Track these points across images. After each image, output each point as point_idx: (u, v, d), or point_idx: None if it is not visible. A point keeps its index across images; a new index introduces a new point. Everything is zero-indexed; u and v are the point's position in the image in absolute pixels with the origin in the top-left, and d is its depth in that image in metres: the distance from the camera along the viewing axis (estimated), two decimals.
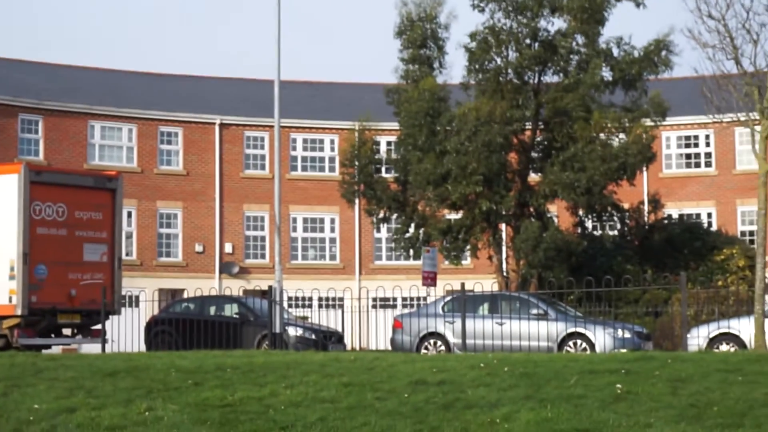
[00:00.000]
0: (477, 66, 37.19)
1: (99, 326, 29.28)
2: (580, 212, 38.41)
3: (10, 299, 28.31)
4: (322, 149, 51.37)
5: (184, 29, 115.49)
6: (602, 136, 36.25)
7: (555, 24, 37.57)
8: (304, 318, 35.75)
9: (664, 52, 37.00)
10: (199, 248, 49.15)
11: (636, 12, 52.30)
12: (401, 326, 30.37)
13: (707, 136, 49.16)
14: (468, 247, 37.90)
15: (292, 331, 31.36)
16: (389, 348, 32.02)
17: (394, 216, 39.42)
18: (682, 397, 15.51)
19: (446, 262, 40.09)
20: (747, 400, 15.21)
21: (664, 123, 40.68)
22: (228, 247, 49.60)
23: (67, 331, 30.30)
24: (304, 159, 51.27)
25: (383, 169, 40.56)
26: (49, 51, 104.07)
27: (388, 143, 45.65)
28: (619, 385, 16.17)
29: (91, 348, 31.28)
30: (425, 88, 36.68)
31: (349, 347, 36.36)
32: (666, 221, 41.83)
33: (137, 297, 37.97)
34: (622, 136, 36.70)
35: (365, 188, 38.78)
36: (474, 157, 35.27)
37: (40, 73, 51.83)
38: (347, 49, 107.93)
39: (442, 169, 35.81)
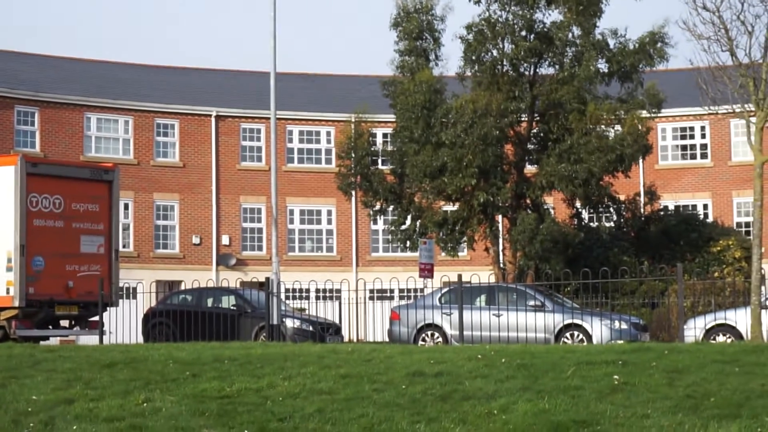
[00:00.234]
0: (473, 58, 37.19)
1: (96, 318, 29.30)
2: (577, 204, 38.46)
3: (8, 291, 28.35)
4: (318, 141, 51.37)
5: (180, 21, 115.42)
6: (599, 128, 36.25)
7: (551, 16, 37.62)
8: (302, 310, 35.76)
9: (659, 44, 37.04)
10: (196, 240, 49.17)
11: (631, 4, 52.22)
12: (398, 318, 30.40)
13: (703, 128, 49.20)
14: (465, 238, 37.94)
15: (290, 323, 31.37)
16: (387, 339, 32.06)
17: (391, 208, 39.42)
18: (679, 388, 15.55)
19: (443, 254, 40.11)
20: (744, 391, 15.24)
21: (660, 115, 40.70)
22: (225, 239, 49.61)
23: (64, 323, 30.32)
24: (300, 151, 51.27)
25: (380, 161, 40.56)
26: (45, 43, 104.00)
27: (385, 135, 45.65)
28: (616, 377, 16.20)
29: (89, 339, 31.31)
30: (422, 80, 36.68)
31: (346, 339, 36.40)
32: (662, 213, 41.87)
33: (134, 289, 37.99)
34: (618, 127, 36.74)
35: (362, 180, 38.79)
36: (470, 149, 35.29)
37: (36, 65, 51.80)
38: (343, 41, 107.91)
39: (439, 162, 35.82)
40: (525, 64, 37.48)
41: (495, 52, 37.10)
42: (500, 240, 39.83)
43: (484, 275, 32.80)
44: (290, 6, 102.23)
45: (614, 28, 37.70)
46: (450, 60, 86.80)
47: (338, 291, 38.32)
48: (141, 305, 35.59)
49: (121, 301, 30.56)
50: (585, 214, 40.02)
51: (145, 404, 15.67)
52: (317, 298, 37.22)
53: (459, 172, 35.51)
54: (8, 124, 46.09)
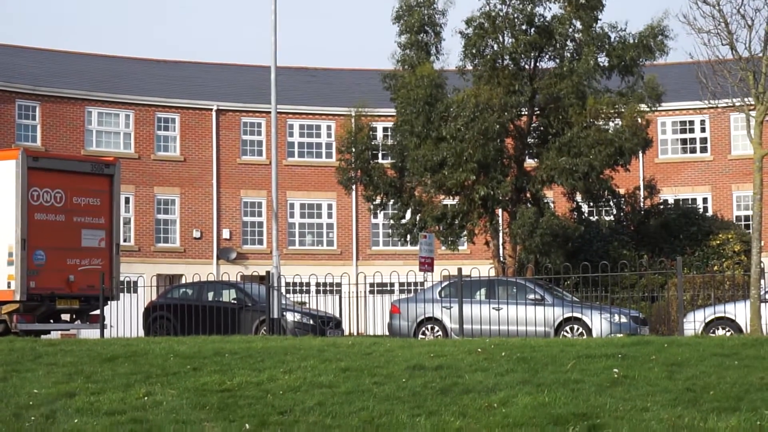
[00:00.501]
0: (473, 52, 37.19)
1: (97, 312, 29.34)
2: (577, 198, 38.47)
3: (9, 285, 28.38)
4: (319, 135, 51.38)
5: (180, 15, 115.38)
6: (599, 121, 36.25)
7: (551, 9, 37.60)
8: (302, 303, 35.81)
9: (659, 37, 37.04)
10: (196, 234, 49.20)
11: None
12: (399, 311, 30.42)
13: (702, 122, 49.21)
14: (465, 232, 37.96)
15: (290, 317, 31.40)
16: (387, 333, 32.09)
17: (391, 202, 39.43)
18: (678, 382, 15.59)
19: (443, 248, 40.12)
20: (743, 384, 15.28)
21: (660, 108, 40.68)
22: (225, 233, 49.64)
23: (65, 317, 30.37)
24: (300, 145, 51.28)
25: (380, 156, 40.57)
26: (45, 37, 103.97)
27: (385, 129, 45.66)
28: (615, 370, 16.25)
29: (90, 333, 31.36)
30: (423, 74, 36.67)
31: (346, 332, 36.44)
32: (662, 206, 41.86)
33: (135, 282, 37.93)
34: (618, 121, 36.75)
35: (362, 174, 38.78)
36: (471, 143, 35.31)
37: (37, 59, 51.80)
38: (344, 35, 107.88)
39: (439, 156, 35.83)
40: (525, 58, 37.47)
41: (495, 46, 37.09)
42: (500, 234, 39.85)
43: (484, 269, 32.82)
44: (291, 0, 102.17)
45: (614, 22, 37.70)
46: (451, 54, 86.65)
47: (338, 285, 38.37)
48: (142, 299, 35.62)
49: (121, 294, 30.60)
50: (585, 208, 40.01)
51: (146, 398, 15.72)
52: (317, 291, 37.27)
53: (459, 166, 35.52)
54: (9, 118, 46.11)
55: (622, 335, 24.43)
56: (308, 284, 36.07)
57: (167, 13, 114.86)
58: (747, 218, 45.83)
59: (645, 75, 37.58)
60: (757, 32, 25.55)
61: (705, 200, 48.72)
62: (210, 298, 33.30)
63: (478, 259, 43.56)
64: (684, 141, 49.80)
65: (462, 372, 16.63)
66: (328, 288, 39.87)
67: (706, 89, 25.94)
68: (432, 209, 37.49)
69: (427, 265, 34.15)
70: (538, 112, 37.89)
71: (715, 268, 36.55)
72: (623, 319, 28.25)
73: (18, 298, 28.35)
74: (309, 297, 37.73)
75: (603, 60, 37.34)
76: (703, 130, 49.37)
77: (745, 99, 25.87)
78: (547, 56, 37.80)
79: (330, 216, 51.09)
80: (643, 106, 37.16)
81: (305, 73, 56.43)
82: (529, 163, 38.81)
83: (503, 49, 36.94)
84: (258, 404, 15.23)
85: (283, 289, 31.07)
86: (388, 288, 45.41)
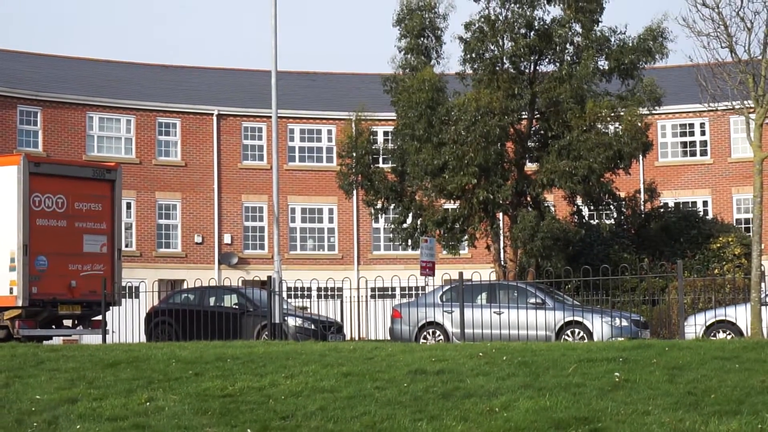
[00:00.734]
0: (473, 56, 37.23)
1: (99, 317, 29.36)
2: (578, 201, 38.49)
3: (11, 290, 28.41)
4: (319, 140, 51.43)
5: (181, 20, 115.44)
6: (598, 125, 36.26)
7: (551, 13, 37.65)
8: (304, 308, 35.83)
9: (659, 40, 37.06)
10: (198, 239, 49.24)
11: (631, 1, 52.26)
12: (400, 316, 30.46)
13: (702, 125, 49.24)
14: (466, 236, 37.98)
15: (292, 322, 31.42)
16: (388, 338, 32.11)
17: (392, 206, 39.48)
18: (679, 385, 15.60)
19: (444, 252, 40.15)
20: (744, 388, 15.30)
21: (660, 112, 40.71)
22: (227, 238, 49.68)
23: (67, 322, 30.39)
24: (301, 150, 51.32)
25: (380, 160, 40.61)
26: (47, 42, 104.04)
27: (386, 134, 45.70)
28: (617, 374, 16.26)
29: (92, 339, 31.40)
30: (424, 78, 36.70)
31: (348, 337, 36.47)
32: (662, 210, 41.88)
33: (137, 288, 38.04)
34: (618, 125, 36.77)
35: (363, 179, 38.81)
36: (472, 146, 35.35)
37: (38, 65, 51.87)
38: (344, 40, 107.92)
39: (440, 160, 35.87)
40: (525, 62, 37.53)
41: (495, 50, 37.13)
42: (501, 238, 39.87)
43: (485, 273, 32.87)
44: (291, 4, 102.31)
45: (614, 25, 37.75)
46: (451, 58, 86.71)
47: (340, 289, 38.37)
48: (144, 304, 35.67)
49: (123, 300, 30.63)
50: (585, 212, 40.05)
51: (148, 403, 15.74)
52: (319, 296, 37.29)
53: (461, 170, 35.55)
54: (11, 124, 46.16)
55: (623, 339, 24.45)
56: (309, 289, 36.14)
57: (168, 18, 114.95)
58: (747, 221, 45.85)
59: (644, 78, 37.60)
60: (756, 35, 25.59)
61: (705, 203, 48.75)
62: (212, 303, 33.33)
63: (479, 263, 43.60)
64: (684, 144, 49.82)
65: (463, 376, 16.64)
66: (329, 293, 39.89)
67: (706, 92, 25.95)
68: (433, 213, 37.51)
69: (428, 269, 34.17)
70: (538, 115, 37.93)
71: (716, 271, 36.58)
72: (624, 323, 28.29)
73: (20, 303, 28.39)
74: (310, 302, 37.77)
75: (603, 63, 37.39)
76: (703, 133, 49.40)
77: (745, 102, 25.88)
78: (547, 60, 37.84)
79: (331, 220, 51.13)
80: (644, 110, 37.18)
81: (306, 78, 56.49)
82: (530, 166, 38.84)
83: (503, 53, 36.98)
84: (260, 409, 15.25)
85: (284, 294, 31.08)
86: (390, 292, 45.43)
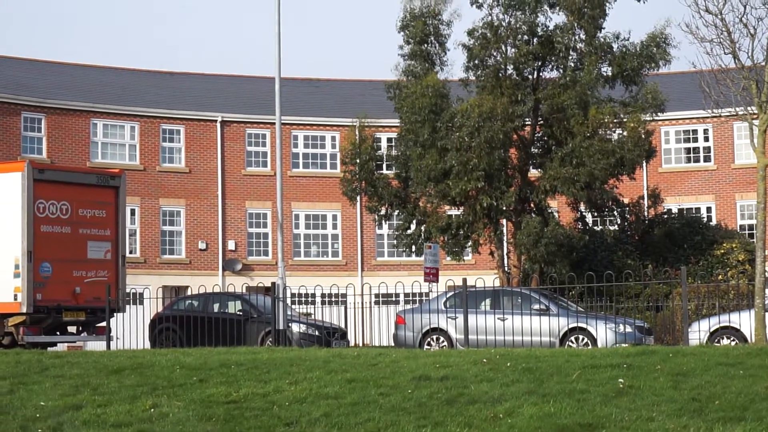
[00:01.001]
0: (476, 62, 37.28)
1: (104, 323, 29.38)
2: (581, 207, 38.50)
3: (15, 297, 28.43)
4: (323, 146, 51.47)
5: (185, 27, 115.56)
6: (601, 131, 36.29)
7: (553, 20, 37.69)
8: (308, 314, 35.83)
9: (662, 46, 37.07)
10: (202, 245, 49.27)
11: (634, 7, 52.36)
12: (404, 322, 30.47)
13: (706, 131, 49.26)
14: (469, 243, 37.99)
15: (296, 328, 31.43)
16: (392, 344, 32.10)
17: (396, 212, 39.50)
18: (683, 391, 15.60)
19: (448, 258, 40.16)
20: (748, 394, 15.29)
21: (663, 118, 40.73)
22: (231, 245, 49.71)
23: (72, 329, 30.41)
24: (305, 156, 51.37)
25: (384, 166, 40.64)
26: (51, 49, 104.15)
27: (389, 140, 45.73)
28: (621, 380, 16.25)
29: (96, 345, 31.43)
30: (428, 84, 36.74)
31: (352, 343, 36.47)
32: (666, 216, 41.89)
33: (141, 294, 38.04)
34: (621, 131, 36.79)
35: (366, 185, 38.84)
36: (476, 153, 35.37)
37: (42, 72, 51.93)
38: (348, 46, 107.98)
39: (444, 166, 35.89)
40: (528, 68, 37.56)
41: (498, 56, 37.17)
42: (505, 244, 39.88)
43: (489, 279, 32.88)
44: (295, 11, 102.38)
45: (617, 31, 37.76)
46: (455, 65, 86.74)
47: (344, 295, 38.35)
48: (148, 311, 35.68)
49: (128, 306, 30.64)
50: (589, 218, 40.07)
51: (152, 410, 15.75)
52: (323, 302, 37.29)
53: (464, 176, 35.57)
54: (15, 131, 46.21)
55: (627, 345, 24.44)
56: (313, 295, 36.13)
57: (172, 25, 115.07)
58: (751, 227, 45.83)
59: (647, 84, 37.61)
60: (759, 41, 25.62)
61: (709, 209, 48.75)
62: (216, 310, 33.33)
63: (482, 269, 43.62)
64: (687, 150, 49.84)
65: (467, 382, 16.65)
66: (333, 299, 39.91)
67: (709, 98, 25.98)
68: (437, 220, 37.53)
69: (432, 275, 34.18)
70: (542, 122, 37.96)
71: (720, 277, 36.55)
72: (628, 329, 28.28)
73: (24, 310, 28.40)
74: (314, 308, 37.78)
75: (606, 69, 37.41)
76: (706, 139, 49.41)
77: (748, 108, 25.90)
78: (550, 66, 37.89)
79: (335, 227, 51.16)
80: (647, 116, 37.19)
81: (309, 84, 56.54)
82: (533, 173, 38.86)
83: (506, 59, 37.03)
84: (264, 416, 15.26)
85: (288, 300, 31.10)
86: (394, 299, 45.44)
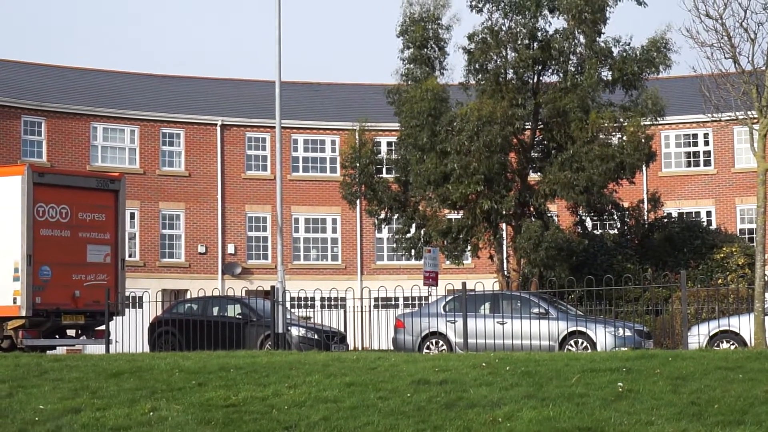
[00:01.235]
0: (476, 66, 37.29)
1: (103, 327, 29.38)
2: (581, 211, 38.50)
3: (15, 300, 28.45)
4: (323, 150, 51.47)
5: (185, 30, 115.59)
6: (601, 135, 36.29)
7: (553, 24, 37.69)
8: (307, 318, 35.81)
9: (662, 51, 37.07)
10: (201, 249, 49.27)
11: (634, 11, 52.42)
12: (403, 326, 30.47)
13: (706, 135, 49.26)
14: (469, 246, 37.98)
15: (295, 332, 31.42)
16: (391, 348, 32.10)
17: (396, 216, 39.50)
18: (683, 395, 15.60)
19: (447, 262, 40.15)
20: (748, 398, 15.29)
21: (663, 122, 40.69)
22: (230, 248, 49.70)
23: (71, 332, 30.42)
24: (305, 160, 51.37)
25: (384, 170, 40.63)
26: (51, 52, 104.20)
27: (389, 144, 45.74)
28: (620, 384, 16.25)
29: (96, 349, 31.38)
30: (428, 88, 36.75)
31: (351, 347, 36.46)
32: (666, 220, 41.89)
33: (141, 298, 38.08)
34: (621, 135, 36.77)
35: (366, 189, 38.84)
36: (475, 157, 35.37)
37: (42, 75, 51.95)
38: (348, 50, 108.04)
39: (444, 169, 35.90)
40: (528, 72, 37.56)
41: (498, 61, 37.17)
42: (504, 248, 39.89)
43: (489, 283, 32.87)
44: (295, 15, 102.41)
45: (617, 36, 37.76)
46: (455, 69, 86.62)
47: (343, 299, 38.31)
48: (147, 314, 35.70)
49: (127, 310, 30.64)
50: (589, 222, 40.06)
51: (151, 413, 15.74)
52: (322, 306, 37.27)
53: (464, 180, 35.58)
54: (15, 134, 46.22)
55: (626, 349, 24.42)
56: (313, 299, 36.11)
57: (172, 28, 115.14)
58: (751, 231, 45.82)
59: (648, 88, 37.60)
60: (760, 46, 25.62)
61: (709, 213, 48.74)
62: (215, 313, 33.33)
63: (482, 273, 43.59)
64: (688, 154, 49.84)
65: (466, 386, 16.64)
66: (332, 303, 39.89)
67: (710, 103, 25.99)
68: (436, 223, 37.53)
69: (431, 279, 34.18)
70: (542, 126, 37.96)
71: (719, 281, 36.55)
72: (627, 333, 28.29)
73: (24, 313, 28.41)
74: (314, 312, 37.75)
75: (606, 74, 37.40)
76: (706, 143, 49.41)
77: (749, 112, 25.91)
78: (551, 70, 37.88)
79: (334, 231, 51.16)
80: (647, 120, 37.18)
81: (309, 88, 56.56)
82: (533, 177, 38.87)
83: (506, 63, 37.03)
84: (263, 419, 15.25)
85: (287, 304, 31.09)
86: (393, 302, 45.43)
